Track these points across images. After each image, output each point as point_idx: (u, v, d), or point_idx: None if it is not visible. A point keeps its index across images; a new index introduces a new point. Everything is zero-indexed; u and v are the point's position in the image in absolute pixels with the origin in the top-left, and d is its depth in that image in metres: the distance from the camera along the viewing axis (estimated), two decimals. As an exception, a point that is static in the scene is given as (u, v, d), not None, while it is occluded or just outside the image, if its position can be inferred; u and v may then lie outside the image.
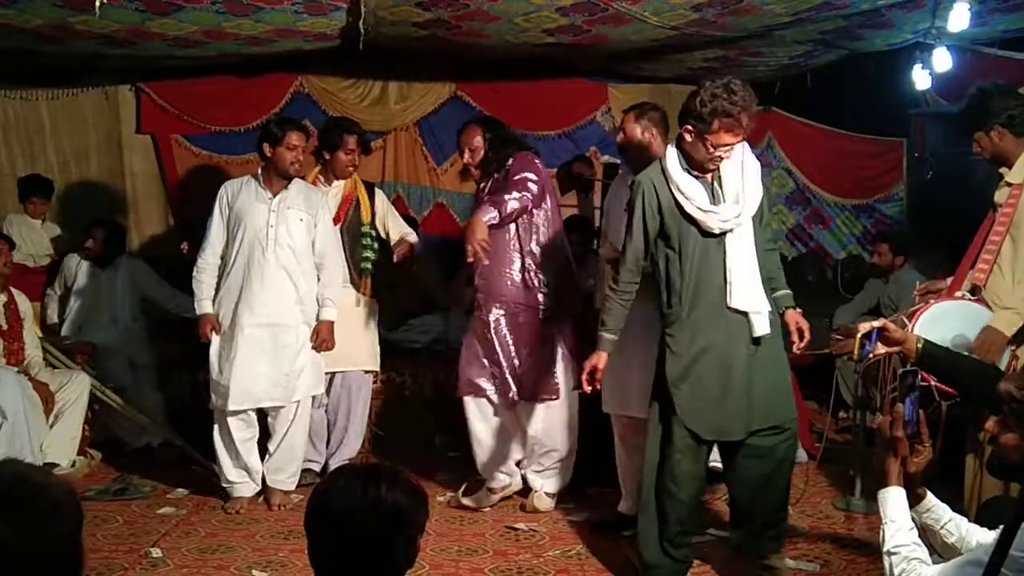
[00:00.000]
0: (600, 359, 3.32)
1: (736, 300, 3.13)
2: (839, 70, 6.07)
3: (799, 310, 3.33)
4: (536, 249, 4.12)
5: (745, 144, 3.22)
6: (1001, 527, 1.73)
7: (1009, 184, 3.39)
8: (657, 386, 3.29)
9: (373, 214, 4.66)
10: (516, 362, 4.12)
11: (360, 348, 4.65)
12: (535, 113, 6.56)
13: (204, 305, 4.24)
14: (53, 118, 6.18)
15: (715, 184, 3.19)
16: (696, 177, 3.18)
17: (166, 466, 4.84)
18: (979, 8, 4.56)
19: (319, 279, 4.33)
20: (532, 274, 4.12)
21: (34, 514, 1.41)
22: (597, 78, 6.59)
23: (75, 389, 4.77)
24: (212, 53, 5.29)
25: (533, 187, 4.01)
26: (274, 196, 4.22)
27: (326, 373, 4.46)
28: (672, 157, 3.21)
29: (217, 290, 4.25)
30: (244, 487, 4.28)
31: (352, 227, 4.59)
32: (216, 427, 4.24)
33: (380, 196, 4.82)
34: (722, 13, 4.59)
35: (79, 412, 4.76)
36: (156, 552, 3.67)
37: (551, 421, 4.19)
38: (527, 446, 4.22)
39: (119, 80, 6.15)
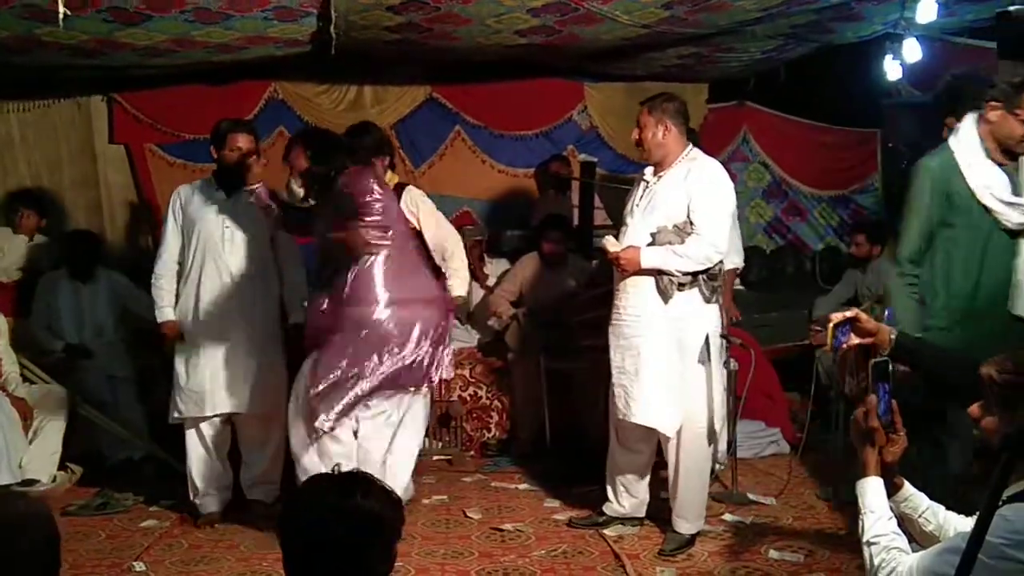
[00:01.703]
0: None
1: (1021, 307, 2.89)
2: (811, 63, 6.11)
3: None
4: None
5: None
6: (977, 513, 1.74)
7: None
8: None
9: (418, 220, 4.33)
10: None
11: None
12: (511, 113, 6.59)
13: (165, 312, 4.15)
14: (24, 130, 6.10)
15: (1016, 176, 2.92)
16: (999, 165, 2.91)
17: (148, 479, 4.81)
18: (946, -1, 4.60)
19: (281, 282, 4.24)
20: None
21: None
22: (573, 77, 6.59)
23: (54, 404, 4.73)
24: (182, 61, 5.25)
25: (379, 207, 3.59)
26: (228, 198, 4.14)
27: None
28: (967, 139, 2.94)
29: (177, 296, 4.16)
30: (212, 501, 4.19)
31: None
32: (186, 438, 4.17)
33: (409, 197, 4.37)
34: (692, 10, 4.59)
35: (58, 427, 4.72)
36: (139, 566, 3.64)
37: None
38: None
39: (91, 91, 6.10)
